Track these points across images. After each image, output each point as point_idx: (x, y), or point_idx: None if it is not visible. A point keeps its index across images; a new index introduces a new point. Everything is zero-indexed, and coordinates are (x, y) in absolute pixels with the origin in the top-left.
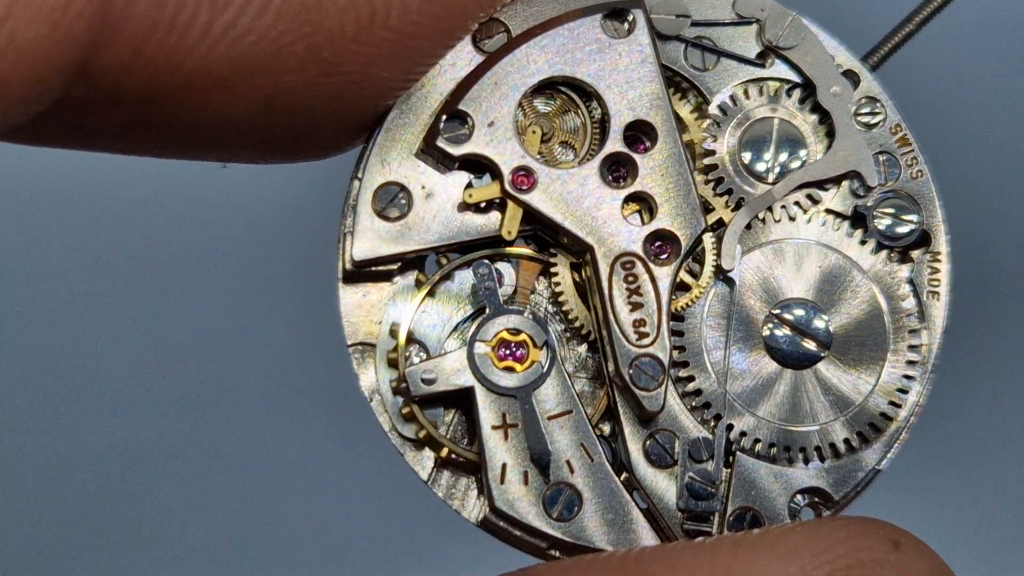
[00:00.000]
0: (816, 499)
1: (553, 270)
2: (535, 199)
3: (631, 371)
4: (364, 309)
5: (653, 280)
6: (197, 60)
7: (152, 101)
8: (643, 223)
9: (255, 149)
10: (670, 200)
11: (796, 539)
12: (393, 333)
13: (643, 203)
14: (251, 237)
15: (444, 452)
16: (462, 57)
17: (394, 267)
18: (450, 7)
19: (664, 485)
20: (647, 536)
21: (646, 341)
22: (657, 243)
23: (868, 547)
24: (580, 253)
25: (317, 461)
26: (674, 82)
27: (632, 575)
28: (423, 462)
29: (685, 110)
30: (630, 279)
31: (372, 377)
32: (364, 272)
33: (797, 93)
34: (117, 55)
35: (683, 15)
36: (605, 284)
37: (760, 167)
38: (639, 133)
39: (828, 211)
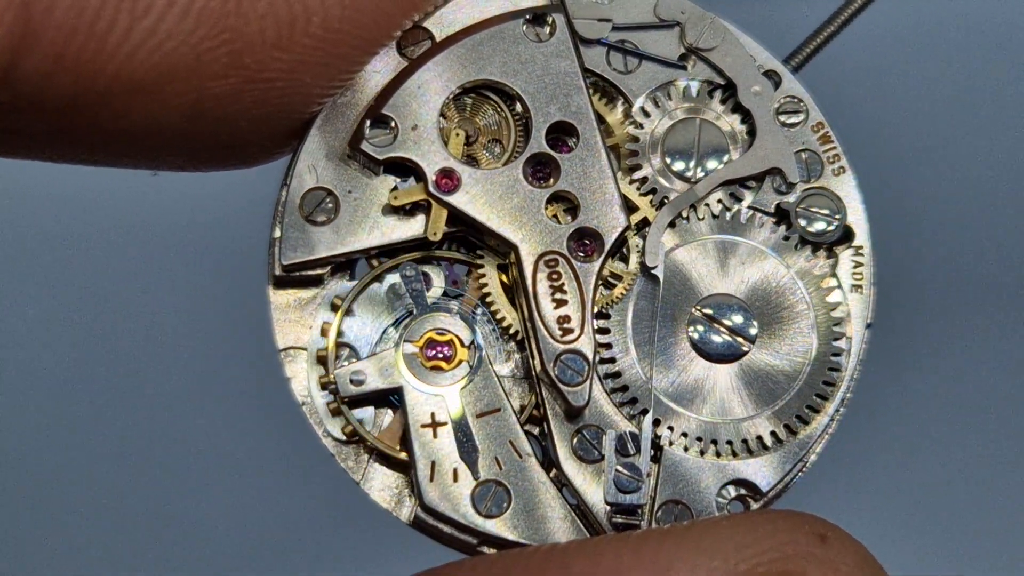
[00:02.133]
0: (744, 492)
1: (480, 272)
2: (458, 200)
3: (556, 367)
4: (295, 314)
5: (577, 277)
6: (118, 66)
7: (76, 108)
8: (566, 222)
9: (183, 157)
10: (593, 199)
11: (721, 532)
12: (324, 332)
13: (566, 202)
14: (183, 244)
15: (375, 451)
16: (387, 64)
17: (323, 271)
18: (372, 15)
19: (592, 480)
20: (576, 531)
21: (571, 337)
22: (581, 241)
23: (794, 541)
24: (506, 254)
25: (248, 463)
26: (598, 86)
27: (556, 570)
28: (355, 464)
29: (609, 113)
30: (554, 276)
31: (303, 381)
32: (294, 277)
33: (719, 94)
34: (39, 61)
35: (604, 19)
36: (529, 282)
37: (683, 167)
38: (562, 134)
39: (751, 208)
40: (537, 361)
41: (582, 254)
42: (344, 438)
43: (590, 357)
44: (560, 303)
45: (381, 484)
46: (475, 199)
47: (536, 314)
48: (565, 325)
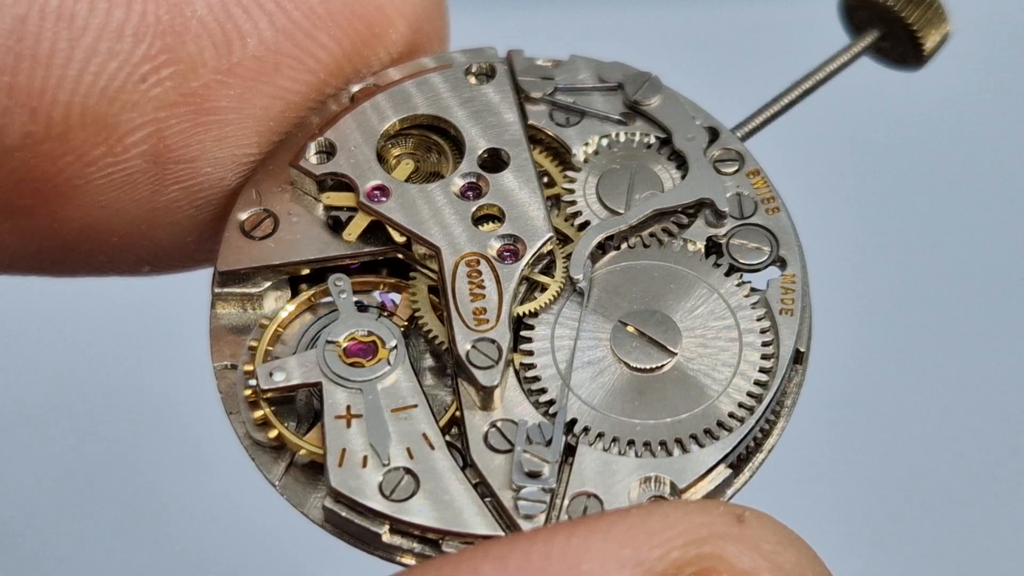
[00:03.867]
0: (659, 491)
1: (411, 289)
2: (386, 208)
3: (468, 351)
4: (231, 335)
5: (497, 277)
6: (69, 94)
7: (38, 155)
8: (493, 231)
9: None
10: (519, 211)
11: (632, 521)
12: (253, 348)
13: (493, 218)
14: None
15: (293, 456)
16: (337, 102)
17: (262, 288)
18: (303, 41)
19: (501, 468)
20: (483, 516)
21: (485, 327)
22: (505, 247)
23: (708, 523)
24: (433, 268)
25: (178, 473)
26: (540, 140)
27: (467, 573)
28: (272, 465)
29: (550, 164)
30: (474, 275)
31: (233, 394)
32: (233, 294)
33: (656, 144)
34: None
35: (548, 78)
36: (448, 277)
37: (618, 205)
38: (495, 159)
39: (685, 240)
40: (453, 348)
41: (506, 255)
42: (267, 442)
43: (503, 347)
44: (477, 296)
45: (295, 484)
46: (402, 208)
47: (453, 305)
48: (481, 316)
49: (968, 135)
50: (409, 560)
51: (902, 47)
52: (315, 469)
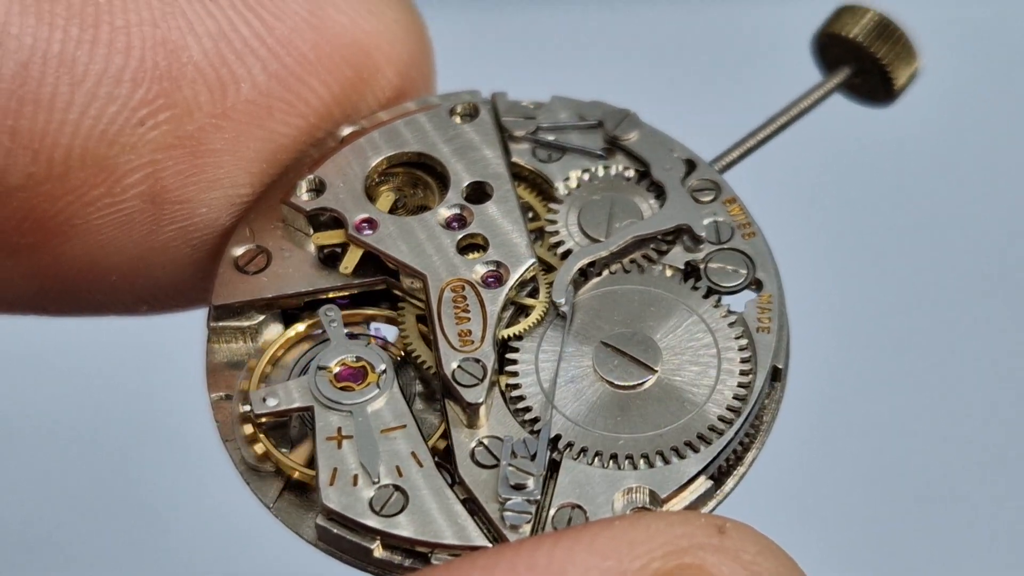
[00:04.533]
0: (641, 502)
1: (400, 318)
2: (374, 239)
3: (454, 370)
4: (227, 370)
5: (481, 301)
6: (70, 136)
7: (39, 196)
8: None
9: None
10: (502, 239)
11: (614, 532)
12: (248, 376)
13: (478, 247)
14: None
15: (287, 479)
16: (327, 144)
17: (256, 321)
18: (295, 87)
19: (487, 483)
20: (470, 529)
21: (470, 347)
22: (488, 273)
23: (689, 534)
24: (421, 298)
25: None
26: (523, 177)
27: None
28: (265, 488)
29: (533, 198)
30: (459, 300)
31: (230, 424)
32: (228, 327)
33: (635, 177)
34: None
35: (529, 118)
36: (435, 303)
37: (599, 233)
38: (478, 192)
39: (664, 265)
40: (439, 368)
41: (490, 280)
42: (261, 467)
43: (488, 366)
44: (463, 320)
45: (289, 507)
46: (390, 238)
47: (439, 327)
48: (466, 338)
49: (935, 166)
50: None
51: (873, 83)
52: (308, 493)
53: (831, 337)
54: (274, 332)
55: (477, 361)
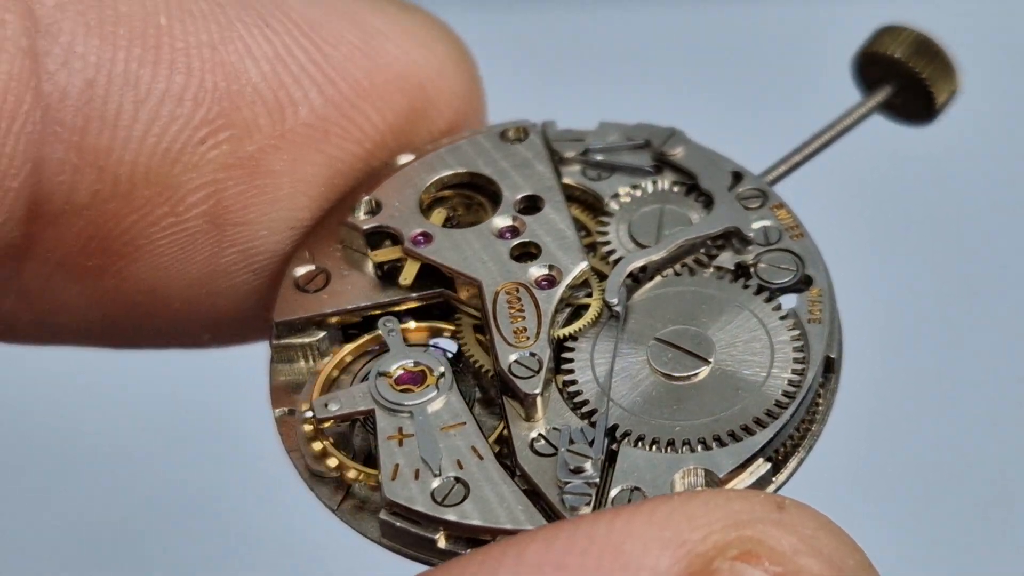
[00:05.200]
0: (700, 480)
1: (457, 326)
2: (429, 251)
3: (511, 365)
4: (290, 384)
5: (536, 302)
6: (134, 154)
7: (104, 214)
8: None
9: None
10: (555, 245)
11: (673, 505)
12: (317, 372)
13: (531, 255)
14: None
15: (350, 476)
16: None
17: (317, 337)
18: (349, 112)
19: (547, 470)
20: (532, 515)
21: (526, 343)
22: (541, 276)
23: (749, 509)
24: (477, 308)
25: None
26: (572, 196)
27: (512, 560)
28: (331, 494)
29: (586, 217)
30: (514, 302)
31: (293, 437)
32: (291, 344)
33: (683, 189)
34: (63, 152)
35: (578, 139)
36: (490, 306)
37: (649, 241)
38: (530, 205)
39: (716, 267)
40: (496, 365)
41: (543, 283)
42: (323, 471)
43: (544, 360)
44: (517, 319)
45: (351, 510)
46: (445, 250)
47: (495, 326)
48: (522, 335)
49: (972, 180)
50: None
51: (914, 102)
52: (370, 497)
53: (878, 341)
54: (336, 349)
55: (533, 355)
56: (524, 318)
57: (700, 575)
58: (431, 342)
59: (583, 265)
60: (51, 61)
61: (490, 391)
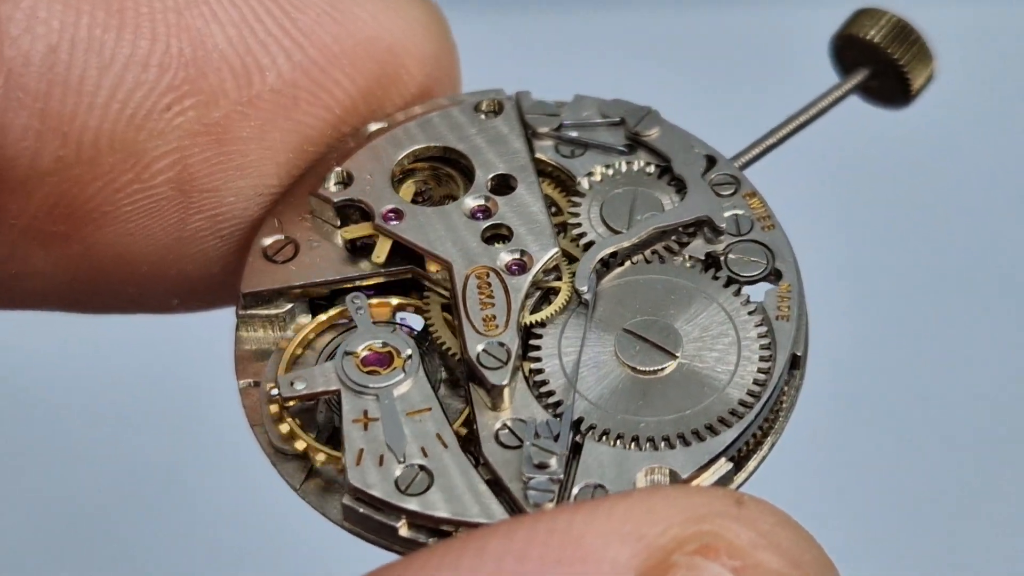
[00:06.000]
0: (661, 478)
1: (425, 305)
2: (400, 229)
3: (479, 353)
4: (255, 354)
5: (505, 287)
6: (98, 120)
7: (67, 180)
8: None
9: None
10: (526, 229)
11: (632, 501)
12: (283, 346)
13: (502, 237)
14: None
15: (319, 459)
16: (354, 139)
17: (284, 309)
18: (319, 77)
19: (511, 462)
20: (495, 507)
21: (494, 332)
22: (512, 261)
23: (708, 503)
24: (446, 287)
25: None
26: (546, 172)
27: (473, 553)
28: (294, 472)
29: (557, 194)
30: (484, 287)
31: (258, 409)
32: (257, 315)
33: (656, 172)
34: (27, 119)
35: (553, 114)
36: (460, 290)
37: (620, 225)
38: (503, 184)
39: (687, 256)
40: (463, 352)
41: (514, 268)
42: (288, 449)
43: (512, 350)
44: (487, 305)
45: (315, 490)
46: (416, 228)
47: (464, 312)
48: (491, 323)
49: (947, 164)
50: None
51: (890, 86)
52: (334, 477)
53: (847, 331)
54: (302, 321)
55: (501, 344)
56: (494, 304)
57: (658, 568)
58: (398, 317)
59: (554, 251)
60: (13, 26)
61: (456, 372)
